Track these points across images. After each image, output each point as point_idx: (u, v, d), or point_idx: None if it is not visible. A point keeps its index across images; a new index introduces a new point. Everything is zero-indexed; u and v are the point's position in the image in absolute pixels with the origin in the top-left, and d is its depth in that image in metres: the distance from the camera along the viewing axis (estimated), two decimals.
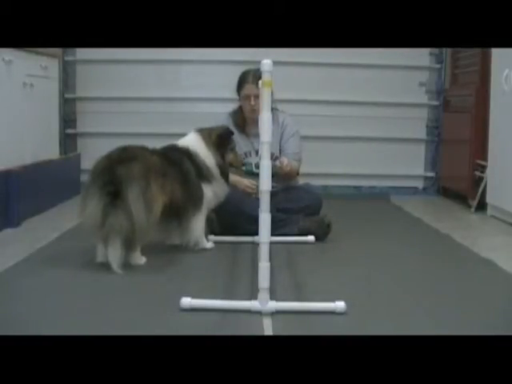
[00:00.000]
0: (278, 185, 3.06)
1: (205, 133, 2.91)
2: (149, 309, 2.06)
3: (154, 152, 2.70)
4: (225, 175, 2.91)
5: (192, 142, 2.88)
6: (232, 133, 3.03)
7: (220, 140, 2.91)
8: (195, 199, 2.78)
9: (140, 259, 2.56)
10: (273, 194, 2.10)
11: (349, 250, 2.95)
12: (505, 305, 2.22)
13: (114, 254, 2.41)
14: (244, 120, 3.32)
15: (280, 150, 3.30)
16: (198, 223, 2.82)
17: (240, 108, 3.34)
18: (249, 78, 3.20)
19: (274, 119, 3.21)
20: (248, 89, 3.19)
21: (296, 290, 2.31)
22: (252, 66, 3.23)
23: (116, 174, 2.43)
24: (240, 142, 3.32)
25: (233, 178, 3.25)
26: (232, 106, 3.42)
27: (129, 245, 2.47)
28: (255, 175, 3.02)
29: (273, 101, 2.87)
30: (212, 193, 2.87)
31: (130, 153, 2.57)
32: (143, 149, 2.66)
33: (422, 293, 2.31)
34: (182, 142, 2.88)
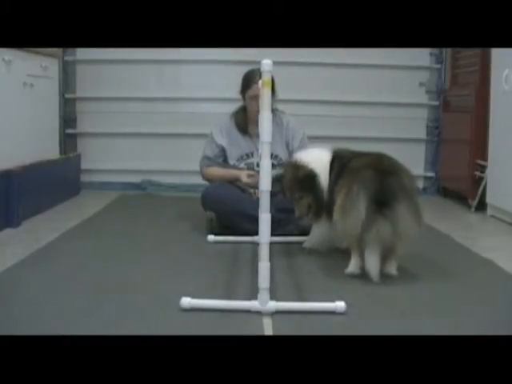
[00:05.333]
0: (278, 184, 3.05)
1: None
2: (149, 309, 2.06)
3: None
4: None
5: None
6: None
7: None
8: None
9: (394, 269, 2.49)
10: (273, 194, 2.10)
11: (349, 250, 2.94)
12: (505, 305, 2.22)
13: (373, 263, 2.37)
14: (246, 121, 3.31)
15: (289, 152, 3.28)
16: None
17: (242, 109, 3.32)
18: (256, 78, 3.17)
19: (277, 121, 3.22)
20: (256, 89, 3.16)
21: (296, 289, 2.31)
22: (253, 67, 3.21)
23: (386, 184, 2.41)
24: (242, 143, 3.32)
25: (232, 171, 3.25)
26: (233, 106, 3.41)
27: (387, 255, 2.44)
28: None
29: (274, 101, 2.86)
30: None
31: (393, 162, 2.59)
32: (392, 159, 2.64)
33: (422, 293, 2.31)
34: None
